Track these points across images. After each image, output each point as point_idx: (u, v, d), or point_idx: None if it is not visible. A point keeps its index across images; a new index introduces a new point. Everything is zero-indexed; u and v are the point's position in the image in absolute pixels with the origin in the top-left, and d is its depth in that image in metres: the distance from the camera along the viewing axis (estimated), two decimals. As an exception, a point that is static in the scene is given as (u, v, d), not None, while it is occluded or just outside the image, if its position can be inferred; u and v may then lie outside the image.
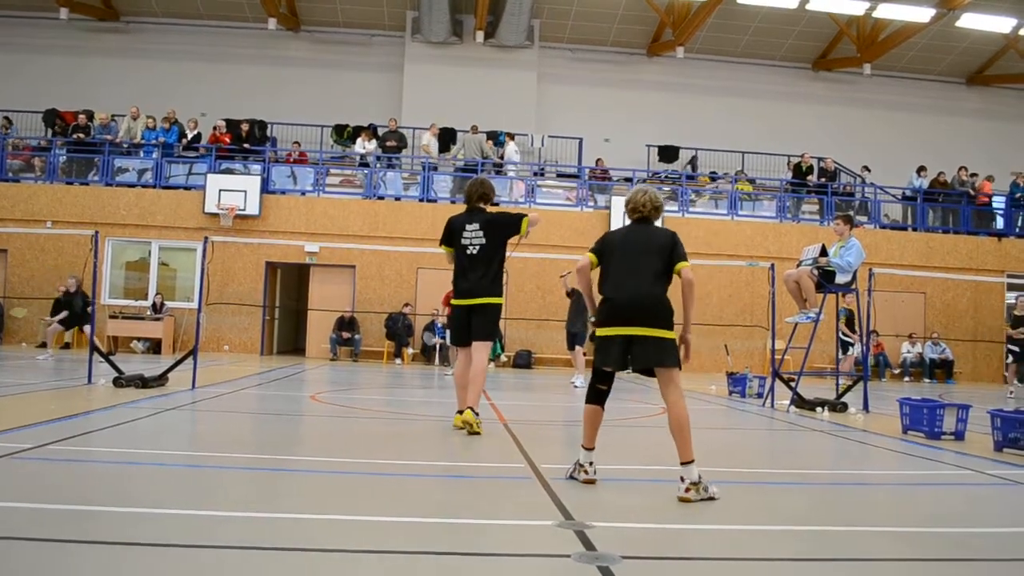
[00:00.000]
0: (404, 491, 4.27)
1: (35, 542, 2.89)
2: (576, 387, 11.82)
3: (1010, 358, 14.68)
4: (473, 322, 6.38)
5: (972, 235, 20.27)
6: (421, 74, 22.22)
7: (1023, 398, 12.19)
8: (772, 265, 10.68)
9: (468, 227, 6.43)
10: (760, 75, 23.66)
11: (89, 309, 14.87)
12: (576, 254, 18.34)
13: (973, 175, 20.87)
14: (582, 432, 4.51)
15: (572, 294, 12.64)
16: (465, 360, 6.45)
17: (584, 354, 12.26)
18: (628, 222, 4.73)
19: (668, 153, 22.01)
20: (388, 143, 19.81)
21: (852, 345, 13.46)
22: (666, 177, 21.39)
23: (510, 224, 6.47)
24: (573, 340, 12.62)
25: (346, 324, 17.76)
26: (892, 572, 3.09)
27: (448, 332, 11.53)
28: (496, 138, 20.38)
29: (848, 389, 9.97)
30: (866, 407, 9.27)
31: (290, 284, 20.60)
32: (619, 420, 7.66)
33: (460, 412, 6.29)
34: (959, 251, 19.72)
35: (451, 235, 6.51)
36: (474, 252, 6.35)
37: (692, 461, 4.08)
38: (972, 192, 20.76)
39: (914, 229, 20.54)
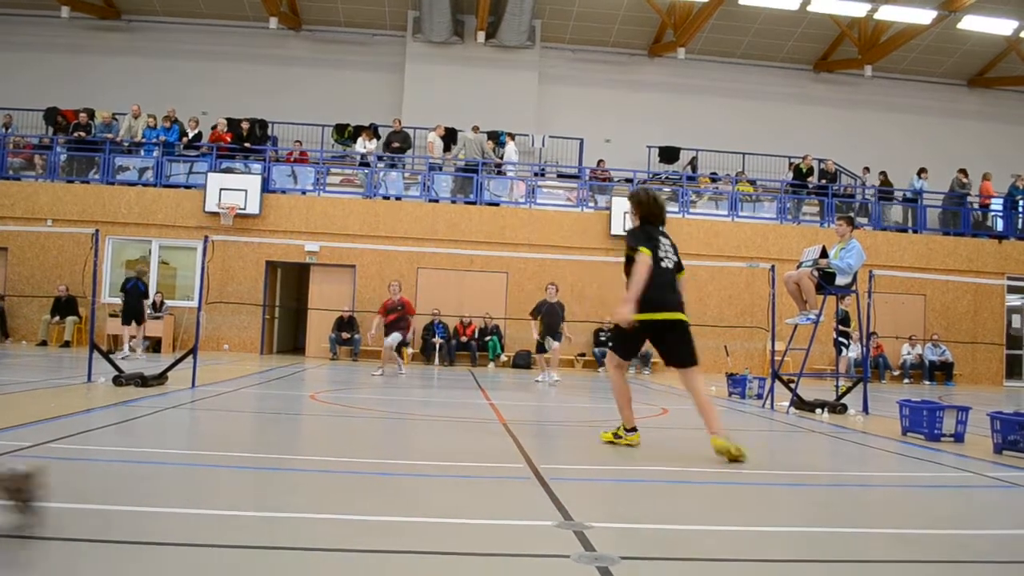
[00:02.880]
0: (403, 491, 4.27)
1: (35, 540, 2.89)
2: (556, 381, 12.81)
3: None
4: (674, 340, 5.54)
5: (972, 237, 20.28)
6: (422, 74, 22.23)
7: None
8: (772, 266, 10.68)
9: (663, 240, 5.70)
10: (761, 76, 23.67)
11: (147, 303, 15.14)
12: (576, 254, 18.35)
13: (965, 178, 20.85)
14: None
15: (538, 313, 13.25)
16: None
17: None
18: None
19: (669, 154, 22.01)
20: (393, 144, 19.82)
21: (847, 346, 13.43)
22: (667, 178, 21.40)
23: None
24: (555, 338, 13.09)
25: (346, 324, 17.75)
26: (891, 574, 3.08)
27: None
28: (497, 138, 20.38)
29: (848, 391, 9.97)
30: (866, 409, 9.26)
31: (290, 283, 20.60)
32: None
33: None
34: (959, 253, 19.72)
35: (651, 241, 5.59)
36: (668, 266, 5.64)
37: None
38: (969, 194, 20.80)
39: (914, 231, 20.55)
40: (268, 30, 21.55)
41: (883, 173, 21.41)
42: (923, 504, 4.53)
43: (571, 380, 14.25)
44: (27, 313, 17.49)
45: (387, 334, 13.26)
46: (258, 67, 22.26)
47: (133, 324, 14.76)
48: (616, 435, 5.89)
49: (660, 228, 5.70)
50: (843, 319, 13.05)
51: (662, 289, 5.41)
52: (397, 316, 13.26)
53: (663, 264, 5.49)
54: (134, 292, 14.84)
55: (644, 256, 5.34)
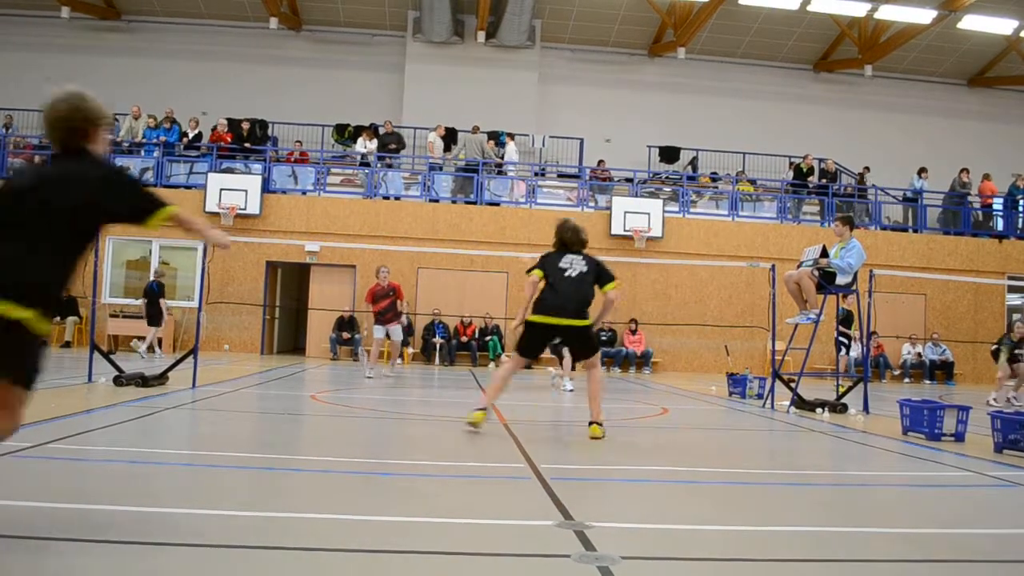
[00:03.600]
0: (403, 491, 4.27)
1: (35, 540, 2.89)
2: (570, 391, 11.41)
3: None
4: None
5: (973, 236, 20.27)
6: (422, 74, 22.23)
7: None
8: (772, 266, 10.68)
9: (574, 259, 6.60)
10: (761, 76, 23.66)
11: (163, 304, 15.38)
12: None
13: (966, 177, 20.84)
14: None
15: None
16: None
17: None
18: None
19: (669, 154, 22.01)
20: (390, 145, 19.83)
21: (847, 346, 13.42)
22: (667, 178, 21.39)
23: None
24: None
25: (346, 324, 17.76)
26: (892, 573, 3.08)
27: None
28: (497, 138, 20.39)
29: (848, 390, 9.97)
30: (866, 408, 9.26)
31: (290, 283, 20.60)
32: (619, 420, 7.67)
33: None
34: (960, 252, 19.71)
35: (546, 264, 6.62)
36: (571, 276, 6.51)
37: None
38: (970, 194, 20.80)
39: (915, 231, 20.54)
40: (268, 30, 21.54)
41: (867, 169, 21.32)
42: (924, 503, 4.53)
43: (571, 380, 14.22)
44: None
45: (379, 322, 12.12)
46: (258, 67, 22.26)
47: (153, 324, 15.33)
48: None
49: (574, 250, 6.67)
50: (845, 319, 13.04)
51: (564, 298, 6.38)
52: (389, 302, 12.05)
53: (567, 274, 6.46)
54: (150, 293, 15.28)
55: (531, 277, 6.49)
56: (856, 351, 14.01)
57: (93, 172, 3.05)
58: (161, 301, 15.35)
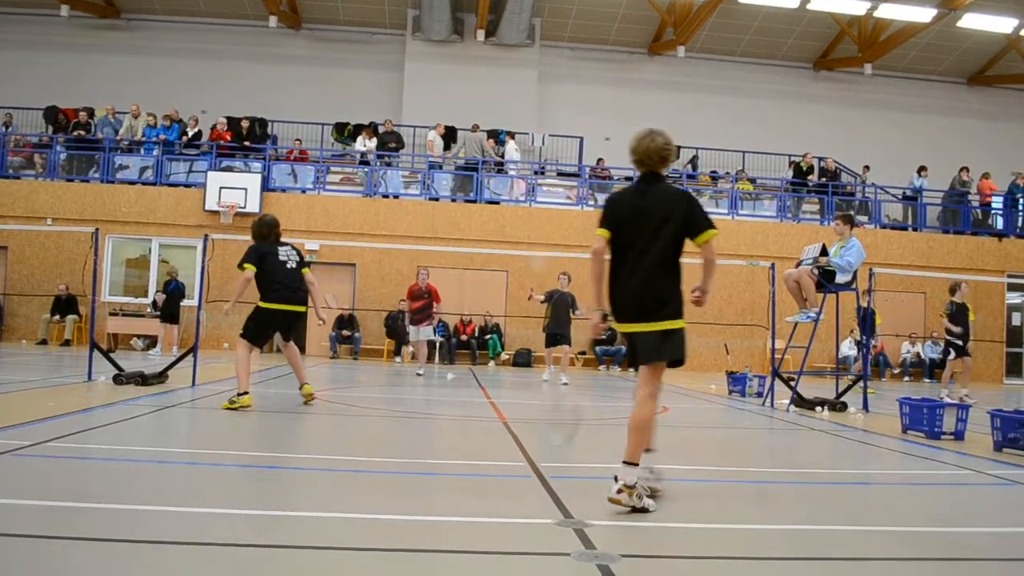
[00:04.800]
0: (404, 489, 4.27)
1: (34, 539, 2.89)
2: (565, 384, 12.09)
3: (952, 354, 12.79)
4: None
5: (972, 235, 20.27)
6: (422, 72, 22.21)
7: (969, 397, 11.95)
8: (772, 265, 10.67)
9: (280, 249, 7.57)
10: (761, 74, 23.64)
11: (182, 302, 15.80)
12: (576, 252, 18.30)
13: (966, 176, 20.82)
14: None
15: (549, 299, 12.95)
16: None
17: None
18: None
19: (669, 152, 21.97)
20: (389, 144, 19.82)
21: (865, 347, 13.25)
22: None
23: None
24: (563, 340, 12.80)
25: (346, 322, 17.75)
26: (891, 572, 3.09)
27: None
28: (497, 137, 20.38)
29: (848, 388, 9.98)
30: (866, 407, 9.27)
31: (290, 282, 20.56)
32: (619, 418, 7.67)
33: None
34: (959, 251, 19.70)
35: (258, 255, 7.48)
36: (292, 267, 7.52)
37: (635, 464, 3.72)
38: (971, 192, 20.79)
39: (915, 229, 20.53)
40: (268, 29, 21.53)
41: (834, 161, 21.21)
42: (923, 502, 4.53)
43: (571, 379, 14.23)
44: (27, 312, 17.48)
45: (412, 322, 13.10)
46: (258, 66, 22.24)
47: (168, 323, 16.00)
48: (232, 401, 7.02)
49: (277, 242, 7.46)
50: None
51: (288, 288, 7.28)
52: (423, 303, 12.96)
53: (288, 266, 7.31)
54: (174, 292, 15.97)
55: (245, 272, 7.23)
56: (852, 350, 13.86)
57: (676, 192, 4.06)
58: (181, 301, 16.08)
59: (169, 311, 15.86)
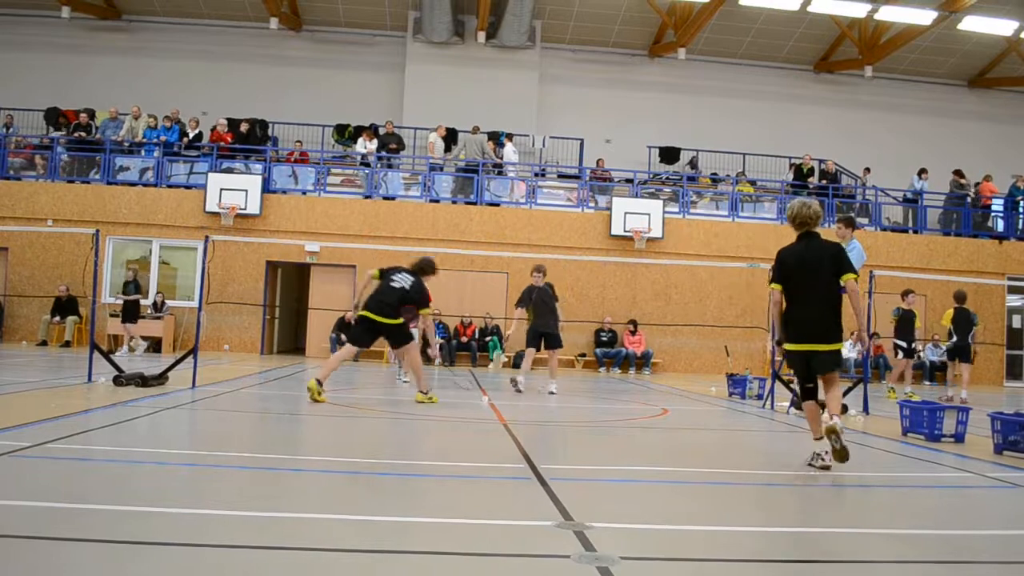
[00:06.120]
0: (403, 491, 4.27)
1: (34, 540, 2.89)
2: (553, 394, 10.54)
3: (899, 355, 12.93)
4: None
5: (973, 237, 20.26)
6: (422, 74, 22.23)
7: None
8: (772, 267, 10.65)
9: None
10: (762, 77, 23.65)
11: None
12: (576, 255, 18.31)
13: (962, 179, 20.81)
14: (810, 427, 5.34)
15: (528, 300, 10.96)
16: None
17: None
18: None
19: (669, 154, 22.01)
20: (390, 146, 19.83)
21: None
22: (667, 178, 21.39)
23: None
24: (552, 341, 11.00)
25: (346, 324, 17.74)
26: (892, 574, 3.08)
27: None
28: (498, 139, 20.39)
29: (848, 391, 9.96)
30: (866, 409, 9.27)
31: (290, 283, 20.60)
32: (619, 420, 7.67)
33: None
34: (959, 253, 19.70)
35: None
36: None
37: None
38: (972, 195, 20.79)
39: (915, 231, 20.53)
40: (269, 30, 21.54)
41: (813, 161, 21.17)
42: (923, 504, 4.53)
43: (571, 381, 14.24)
44: (27, 313, 17.49)
45: None
46: (258, 67, 22.26)
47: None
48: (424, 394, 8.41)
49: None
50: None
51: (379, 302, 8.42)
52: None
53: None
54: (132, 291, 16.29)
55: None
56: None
57: (831, 247, 5.51)
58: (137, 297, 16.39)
59: (129, 311, 16.10)
